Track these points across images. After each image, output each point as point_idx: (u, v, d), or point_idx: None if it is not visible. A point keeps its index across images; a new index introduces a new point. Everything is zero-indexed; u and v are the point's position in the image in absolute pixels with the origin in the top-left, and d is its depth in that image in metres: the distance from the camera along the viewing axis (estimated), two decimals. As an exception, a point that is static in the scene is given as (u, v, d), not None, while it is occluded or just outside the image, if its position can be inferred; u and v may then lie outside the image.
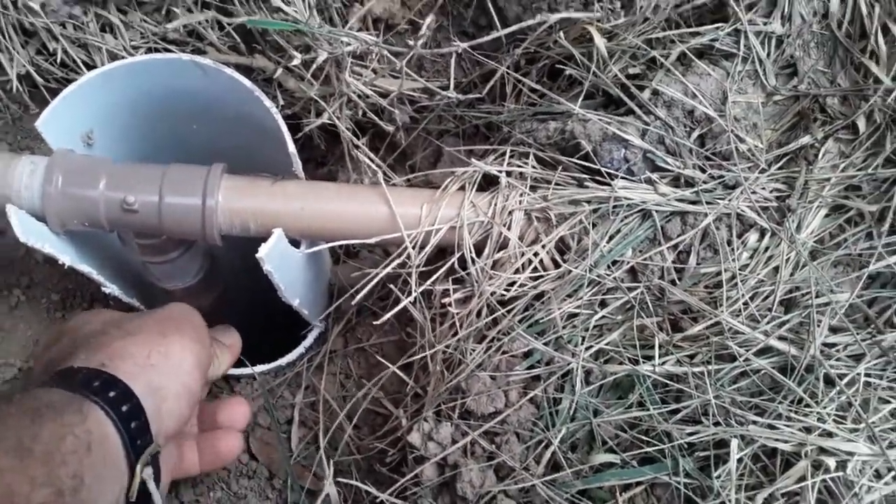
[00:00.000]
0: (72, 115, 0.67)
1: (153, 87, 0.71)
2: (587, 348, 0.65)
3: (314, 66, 0.73)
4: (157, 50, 0.76)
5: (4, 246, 0.87)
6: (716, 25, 0.73)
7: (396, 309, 0.68)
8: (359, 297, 0.69)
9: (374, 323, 0.71)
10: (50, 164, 0.65)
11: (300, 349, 0.89)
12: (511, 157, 0.74)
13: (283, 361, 0.88)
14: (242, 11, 0.74)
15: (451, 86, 0.81)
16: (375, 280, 0.68)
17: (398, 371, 0.72)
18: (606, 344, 0.66)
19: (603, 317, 0.67)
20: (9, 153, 0.67)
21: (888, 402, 0.59)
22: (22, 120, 0.86)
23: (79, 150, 0.71)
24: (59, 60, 0.76)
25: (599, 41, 0.70)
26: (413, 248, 0.68)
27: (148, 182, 0.66)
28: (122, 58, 0.74)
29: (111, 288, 0.73)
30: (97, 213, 0.66)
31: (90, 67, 0.76)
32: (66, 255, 0.67)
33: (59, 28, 0.74)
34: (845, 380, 0.59)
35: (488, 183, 0.74)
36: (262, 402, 0.85)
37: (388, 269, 0.68)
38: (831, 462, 0.55)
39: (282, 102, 0.79)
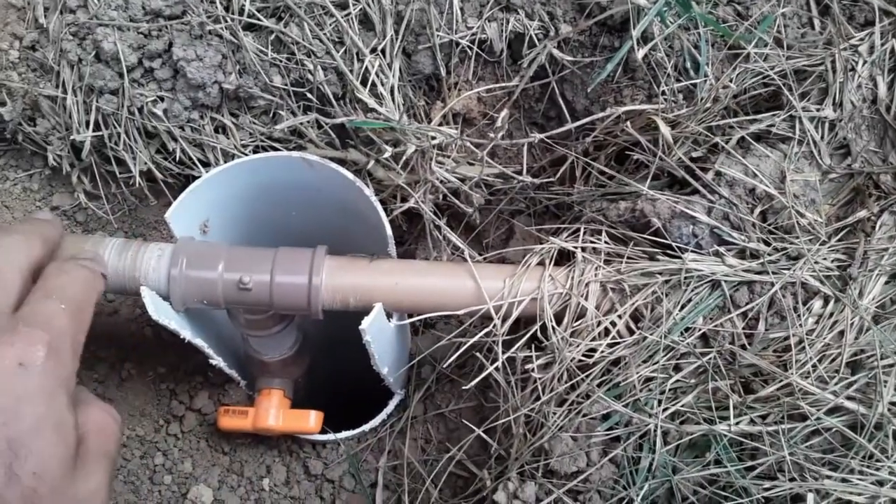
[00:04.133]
0: (194, 207, 0.76)
1: (263, 181, 0.79)
2: (664, 410, 0.70)
3: (403, 158, 0.82)
4: (263, 148, 0.86)
5: (117, 324, 0.96)
6: (772, 113, 0.80)
7: (483, 374, 0.73)
8: (446, 364, 0.76)
9: (464, 388, 0.77)
10: (175, 251, 0.74)
11: (382, 415, 0.95)
12: (584, 233, 0.80)
13: (366, 427, 0.94)
14: (341, 112, 0.83)
15: (524, 171, 0.89)
16: (463, 349, 0.74)
17: (483, 434, 0.77)
18: (682, 406, 0.70)
19: (678, 380, 0.72)
20: (138, 241, 0.75)
21: (957, 456, 0.62)
22: (137, 210, 0.96)
23: (197, 237, 0.79)
24: (177, 159, 0.86)
25: (665, 129, 0.77)
26: (498, 318, 0.74)
27: (261, 263, 0.74)
28: (234, 156, 0.84)
29: (217, 360, 0.80)
30: (216, 292, 0.74)
31: (205, 164, 0.86)
32: (186, 331, 0.75)
33: (179, 131, 0.85)
34: (914, 436, 0.63)
35: (563, 259, 0.80)
36: (347, 467, 0.91)
37: (475, 340, 0.74)
38: (906, 513, 0.58)
39: (372, 190, 0.87)
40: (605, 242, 0.79)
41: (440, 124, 0.90)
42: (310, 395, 0.97)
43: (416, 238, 1.03)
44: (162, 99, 0.84)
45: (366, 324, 0.70)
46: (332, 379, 1.05)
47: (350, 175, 0.75)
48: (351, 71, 0.83)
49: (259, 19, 0.83)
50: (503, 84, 0.90)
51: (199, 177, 0.79)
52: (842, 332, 0.70)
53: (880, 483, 0.61)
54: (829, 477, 0.62)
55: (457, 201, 0.89)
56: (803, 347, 0.69)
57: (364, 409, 0.98)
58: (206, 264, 0.74)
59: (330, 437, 0.91)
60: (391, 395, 0.96)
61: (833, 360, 0.69)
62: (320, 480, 0.91)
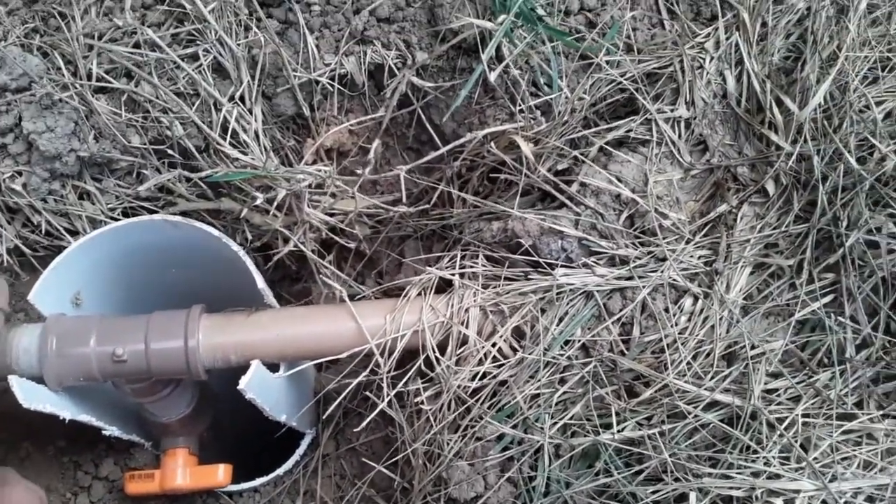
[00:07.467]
0: (59, 282, 0.74)
1: (131, 245, 0.78)
2: (553, 424, 0.71)
3: (276, 202, 0.81)
4: (132, 209, 0.84)
5: (9, 403, 0.92)
6: (629, 118, 0.82)
7: (373, 414, 0.73)
8: (332, 407, 0.75)
9: (355, 430, 0.77)
10: (44, 330, 0.72)
11: (295, 457, 0.94)
12: (463, 258, 0.81)
13: (280, 471, 0.93)
14: (206, 165, 0.82)
15: (403, 198, 0.89)
16: (349, 390, 0.74)
17: (384, 469, 0.77)
18: (570, 418, 0.72)
19: (564, 393, 0.73)
20: (5, 325, 0.73)
21: (825, 438, 0.64)
22: (14, 287, 0.93)
23: (69, 312, 0.77)
24: (43, 231, 0.83)
25: (525, 147, 0.78)
26: (382, 356, 0.74)
27: (134, 332, 0.72)
28: (102, 221, 0.82)
29: (111, 429, 0.79)
30: (91, 368, 0.72)
31: (73, 233, 0.83)
32: (66, 411, 0.73)
33: (41, 203, 0.82)
34: (785, 423, 0.65)
35: (447, 284, 0.81)
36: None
37: (362, 378, 0.74)
38: (779, 502, 0.60)
39: (250, 237, 0.86)
40: (483, 265, 0.79)
41: (313, 161, 0.90)
42: (220, 447, 0.96)
43: (309, 275, 1.02)
44: (20, 174, 0.82)
45: (243, 383, 0.70)
46: (242, 426, 1.04)
47: (215, 232, 0.74)
48: (210, 122, 0.82)
49: (109, 81, 0.82)
50: (371, 115, 0.90)
51: (68, 247, 0.77)
52: (713, 327, 0.72)
53: (756, 475, 0.63)
54: (709, 474, 0.64)
55: (338, 238, 0.89)
56: (677, 347, 0.71)
57: (280, 451, 0.97)
58: (77, 341, 0.72)
59: (243, 486, 0.90)
60: (303, 436, 0.95)
61: (707, 355, 0.71)
62: (239, 533, 0.90)
